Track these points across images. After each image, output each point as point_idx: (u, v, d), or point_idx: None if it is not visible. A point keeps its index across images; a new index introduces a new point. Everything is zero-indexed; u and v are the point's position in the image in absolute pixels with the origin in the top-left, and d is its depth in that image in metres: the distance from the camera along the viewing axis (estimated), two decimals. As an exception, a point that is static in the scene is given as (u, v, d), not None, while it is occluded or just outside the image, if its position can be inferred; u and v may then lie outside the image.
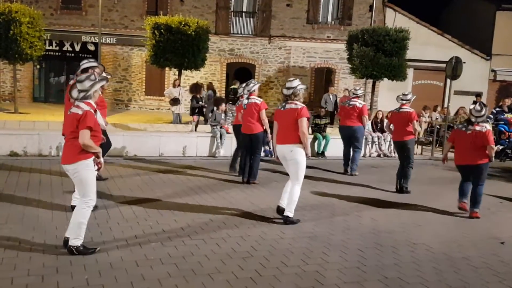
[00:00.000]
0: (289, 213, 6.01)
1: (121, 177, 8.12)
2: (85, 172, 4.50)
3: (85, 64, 6.16)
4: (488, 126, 6.91)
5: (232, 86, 15.94)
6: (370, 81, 18.37)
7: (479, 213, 7.02)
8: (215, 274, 4.29)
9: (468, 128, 6.94)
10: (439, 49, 21.11)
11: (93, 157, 4.54)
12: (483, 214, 7.16)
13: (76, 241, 4.47)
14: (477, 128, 6.86)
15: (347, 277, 4.44)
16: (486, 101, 20.04)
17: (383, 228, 6.15)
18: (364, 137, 12.52)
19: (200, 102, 12.69)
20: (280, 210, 6.12)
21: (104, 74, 6.26)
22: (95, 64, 6.30)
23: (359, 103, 9.80)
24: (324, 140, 11.86)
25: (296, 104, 6.07)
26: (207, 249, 4.90)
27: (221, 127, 10.84)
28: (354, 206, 7.25)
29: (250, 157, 8.23)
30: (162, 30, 15.93)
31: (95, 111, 4.59)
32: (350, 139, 9.99)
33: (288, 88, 6.13)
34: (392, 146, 12.47)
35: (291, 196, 6.00)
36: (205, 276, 4.22)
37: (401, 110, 8.52)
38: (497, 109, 14.83)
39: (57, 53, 21.19)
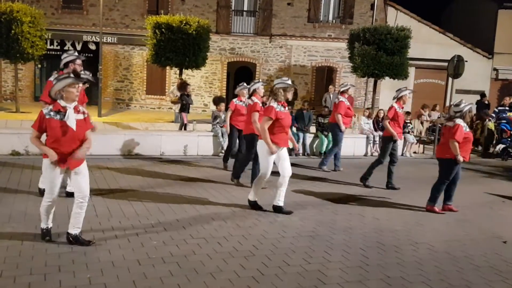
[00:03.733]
0: (251, 197, 6.65)
1: (122, 176, 8.12)
2: (44, 169, 4.71)
3: (65, 58, 6.08)
4: (458, 121, 6.82)
5: None
6: (372, 80, 18.34)
7: (437, 209, 7.15)
8: (217, 273, 4.28)
9: (445, 124, 7.17)
10: (440, 48, 21.05)
11: (48, 158, 4.50)
12: (485, 213, 7.16)
13: (43, 224, 4.82)
14: (449, 123, 6.99)
15: (350, 276, 4.43)
16: (488, 100, 20.00)
17: (385, 227, 6.14)
18: (366, 136, 12.54)
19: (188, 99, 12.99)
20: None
21: (83, 74, 5.99)
22: (72, 57, 6.11)
23: (338, 99, 9.89)
24: (326, 140, 11.84)
25: (269, 103, 6.48)
26: (209, 248, 4.89)
27: (221, 126, 10.83)
28: (356, 205, 7.24)
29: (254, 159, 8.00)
30: (163, 29, 15.91)
31: (64, 112, 4.45)
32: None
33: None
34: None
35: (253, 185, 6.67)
36: (207, 275, 4.22)
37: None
38: (500, 108, 14.81)
39: (58, 53, 21.14)
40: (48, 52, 19.33)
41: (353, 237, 5.63)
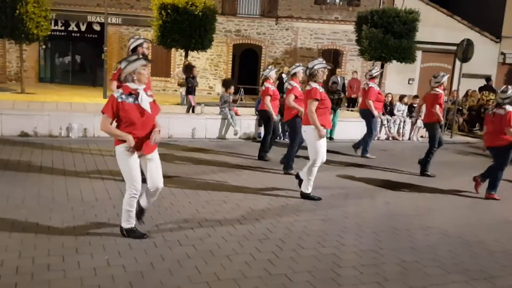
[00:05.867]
0: (304, 189, 6.33)
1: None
2: (119, 159, 4.35)
3: (132, 43, 6.21)
4: (509, 108, 6.84)
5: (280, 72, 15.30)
6: (379, 63, 18.21)
7: (496, 196, 7.11)
8: (233, 255, 4.30)
9: (494, 112, 7.01)
10: (448, 31, 20.85)
11: (124, 144, 4.22)
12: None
13: (125, 224, 4.49)
14: (499, 111, 6.90)
15: (365, 260, 4.44)
16: (495, 85, 19.86)
17: (398, 211, 6.14)
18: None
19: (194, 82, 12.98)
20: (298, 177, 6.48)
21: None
22: (140, 41, 6.26)
23: (368, 85, 9.78)
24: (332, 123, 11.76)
25: (310, 85, 6.24)
26: (223, 231, 4.91)
27: (230, 109, 10.79)
28: (367, 189, 7.24)
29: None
30: (168, 10, 15.78)
31: (136, 95, 4.25)
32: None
33: (308, 69, 6.32)
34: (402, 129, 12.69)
35: (304, 175, 6.31)
36: (224, 257, 4.23)
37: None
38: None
39: (62, 33, 21.06)
40: (53, 33, 19.21)
41: (366, 221, 5.63)
